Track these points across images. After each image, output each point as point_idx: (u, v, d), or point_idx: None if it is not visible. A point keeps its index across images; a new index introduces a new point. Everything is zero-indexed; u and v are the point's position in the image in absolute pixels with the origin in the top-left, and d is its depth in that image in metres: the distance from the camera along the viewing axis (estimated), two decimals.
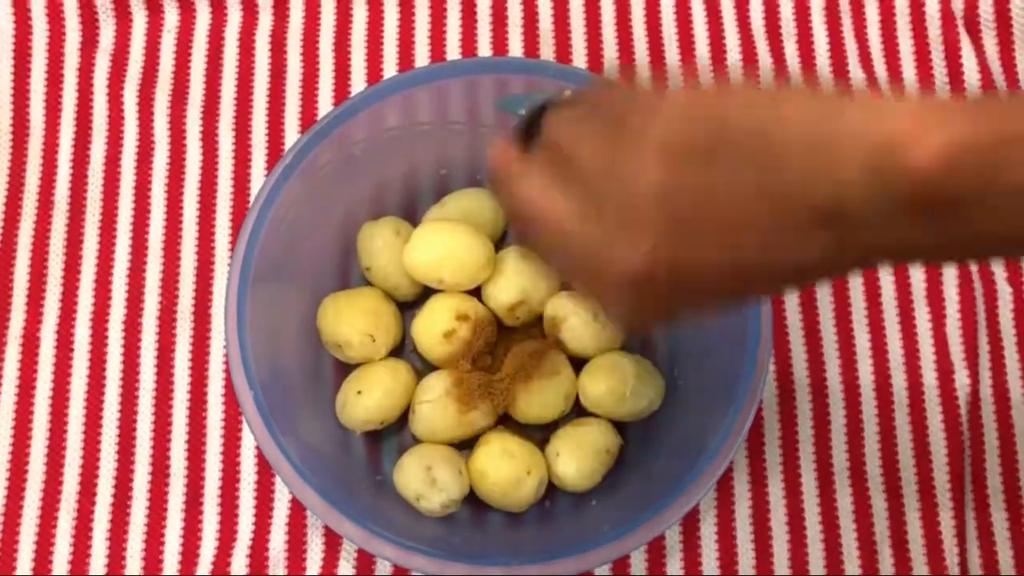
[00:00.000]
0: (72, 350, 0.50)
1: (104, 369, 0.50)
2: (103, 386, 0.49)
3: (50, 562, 0.47)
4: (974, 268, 0.51)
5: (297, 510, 0.48)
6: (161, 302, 0.50)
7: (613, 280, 0.30)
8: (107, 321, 0.50)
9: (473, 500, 0.46)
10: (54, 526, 0.48)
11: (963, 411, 0.49)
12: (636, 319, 0.33)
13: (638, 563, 0.48)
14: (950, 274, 0.51)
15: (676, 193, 0.28)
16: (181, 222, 0.52)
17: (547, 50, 0.54)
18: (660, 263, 0.29)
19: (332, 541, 0.47)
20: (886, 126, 0.26)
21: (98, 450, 0.49)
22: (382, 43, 0.54)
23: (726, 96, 0.29)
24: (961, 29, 0.54)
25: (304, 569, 0.47)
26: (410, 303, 0.49)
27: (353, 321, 0.46)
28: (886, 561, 0.48)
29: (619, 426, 0.47)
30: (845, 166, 0.27)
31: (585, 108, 0.33)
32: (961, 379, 0.50)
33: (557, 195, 0.31)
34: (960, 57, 0.54)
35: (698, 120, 0.28)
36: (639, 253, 0.29)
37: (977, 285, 0.51)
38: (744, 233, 0.28)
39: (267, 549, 0.47)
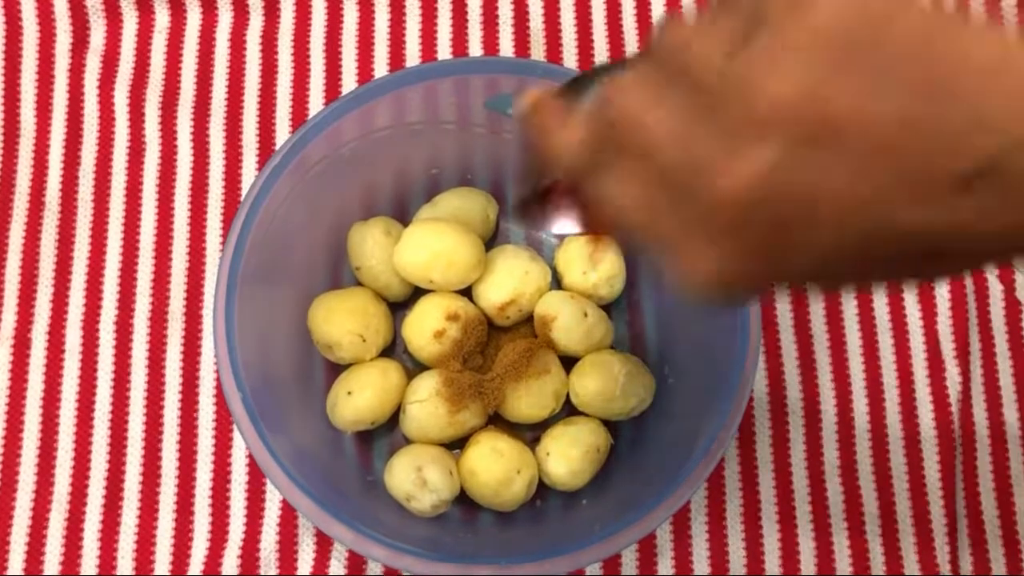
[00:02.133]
0: (63, 351, 0.50)
1: (96, 370, 0.50)
2: (95, 387, 0.49)
3: (41, 563, 0.47)
4: None
5: (288, 510, 0.48)
6: (152, 303, 0.50)
7: (712, 202, 0.23)
8: (98, 322, 0.50)
9: (464, 500, 0.46)
10: (45, 527, 0.48)
11: (954, 408, 0.49)
12: (725, 275, 0.25)
13: (629, 561, 0.48)
14: None
15: (812, 104, 0.22)
16: (172, 222, 0.52)
17: (538, 50, 0.54)
18: (777, 185, 0.22)
19: (323, 541, 0.48)
20: None
21: (89, 451, 0.49)
22: (373, 43, 0.54)
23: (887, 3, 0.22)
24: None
25: (295, 569, 0.47)
26: (401, 303, 0.49)
27: (343, 321, 0.46)
28: (877, 556, 0.48)
29: (609, 425, 0.47)
30: (1016, 127, 0.21)
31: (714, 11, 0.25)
32: (952, 376, 0.50)
33: (654, 98, 0.24)
34: None
35: (853, 20, 0.22)
36: (753, 165, 0.22)
37: (968, 283, 0.51)
38: (883, 169, 0.22)
39: (258, 550, 0.47)
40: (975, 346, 0.51)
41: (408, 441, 0.47)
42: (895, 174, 0.22)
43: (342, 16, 0.55)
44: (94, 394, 0.49)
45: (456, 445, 0.47)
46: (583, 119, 0.27)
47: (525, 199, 0.33)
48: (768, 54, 0.22)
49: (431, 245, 0.46)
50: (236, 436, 0.49)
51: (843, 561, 0.48)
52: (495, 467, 0.44)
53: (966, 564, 0.48)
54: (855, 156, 0.22)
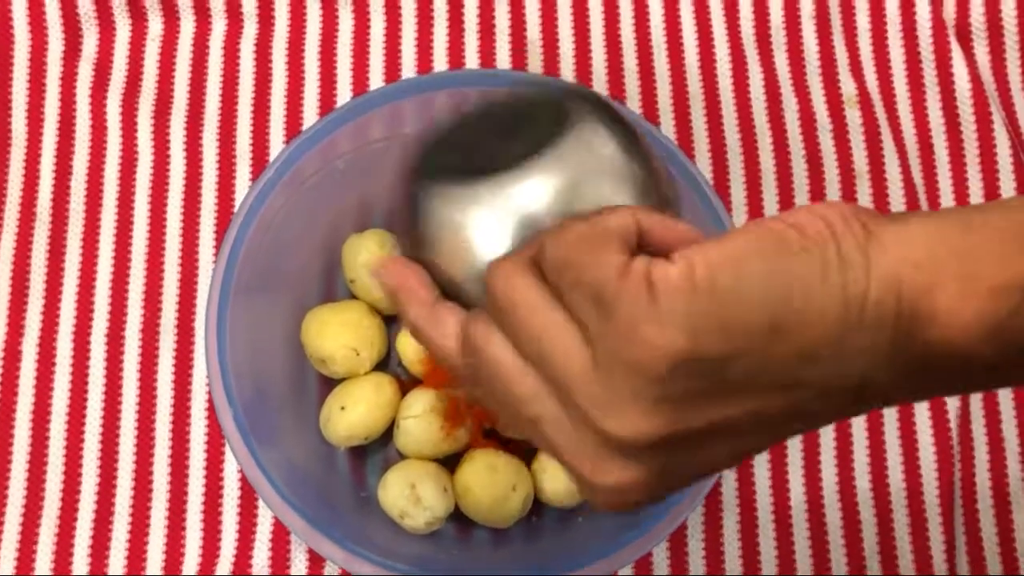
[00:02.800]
0: (54, 363, 0.49)
1: (86, 383, 0.49)
2: (85, 400, 0.49)
3: None
4: None
5: (281, 526, 0.47)
6: (144, 315, 0.50)
7: (603, 441, 0.25)
8: (90, 334, 0.50)
9: (459, 516, 0.45)
10: (35, 540, 0.47)
11: (953, 423, 0.49)
12: (625, 492, 0.26)
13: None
14: None
15: (689, 356, 0.24)
16: (165, 233, 0.51)
17: (535, 59, 0.54)
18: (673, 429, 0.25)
19: (316, 556, 0.47)
20: (908, 296, 0.24)
21: (80, 464, 0.48)
22: (368, 52, 0.54)
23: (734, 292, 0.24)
24: (952, 38, 0.54)
25: None
26: (395, 316, 0.49)
27: (337, 335, 0.45)
28: (875, 573, 0.48)
29: None
30: (872, 353, 0.24)
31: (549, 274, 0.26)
32: None
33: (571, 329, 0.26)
34: (951, 66, 0.54)
35: (707, 331, 0.24)
36: (646, 422, 0.25)
37: None
38: (757, 423, 0.25)
39: (250, 565, 0.47)
40: None
41: (402, 457, 0.46)
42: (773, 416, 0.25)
43: (337, 25, 0.54)
44: (85, 406, 0.49)
45: (451, 461, 0.46)
46: (457, 332, 0.28)
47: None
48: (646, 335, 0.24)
49: None
50: (228, 451, 0.49)
51: None
52: (490, 483, 0.44)
53: None
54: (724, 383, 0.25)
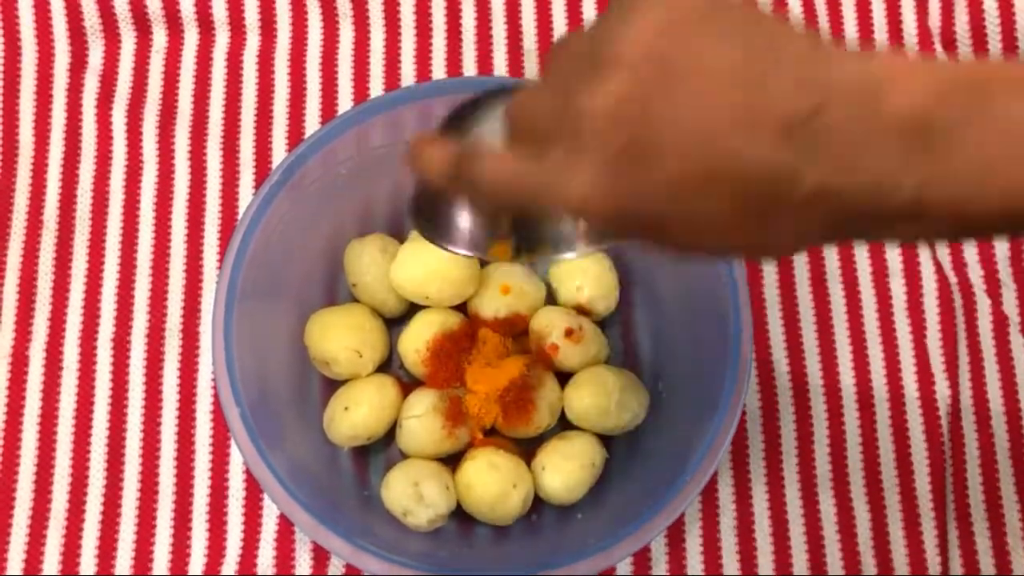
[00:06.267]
0: (61, 368, 0.50)
1: (93, 387, 0.50)
2: (92, 404, 0.50)
3: None
4: (953, 279, 0.52)
5: (285, 525, 0.48)
6: (150, 320, 0.51)
7: (579, 116, 0.28)
8: (96, 339, 0.51)
9: (460, 514, 0.46)
10: (43, 542, 0.48)
11: (944, 421, 0.50)
12: (597, 194, 0.28)
13: (625, 573, 0.48)
14: (929, 285, 0.52)
15: (658, 52, 0.27)
16: (170, 241, 0.52)
17: (531, 67, 0.55)
18: (629, 105, 0.27)
19: (320, 555, 0.48)
20: (875, 66, 0.27)
21: (87, 467, 0.49)
22: (368, 62, 0.55)
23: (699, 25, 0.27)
24: (937, 45, 0.55)
25: None
26: (397, 319, 0.49)
27: (340, 337, 0.46)
28: (869, 570, 0.48)
29: (604, 439, 0.47)
30: (833, 90, 0.26)
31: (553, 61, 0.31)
32: (942, 390, 0.50)
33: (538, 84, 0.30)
34: None
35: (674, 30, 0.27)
36: (609, 87, 0.27)
37: (956, 296, 0.52)
38: (716, 107, 0.27)
39: (255, 564, 0.48)
40: (963, 359, 0.51)
41: (404, 456, 0.47)
42: (728, 113, 0.27)
43: (338, 36, 0.55)
44: (91, 410, 0.50)
45: (452, 460, 0.47)
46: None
47: (416, 206, 0.37)
48: (622, 25, 0.28)
49: (427, 262, 0.46)
50: (233, 451, 0.49)
51: (835, 572, 0.48)
52: (491, 481, 0.45)
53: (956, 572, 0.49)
54: (693, 95, 0.27)
